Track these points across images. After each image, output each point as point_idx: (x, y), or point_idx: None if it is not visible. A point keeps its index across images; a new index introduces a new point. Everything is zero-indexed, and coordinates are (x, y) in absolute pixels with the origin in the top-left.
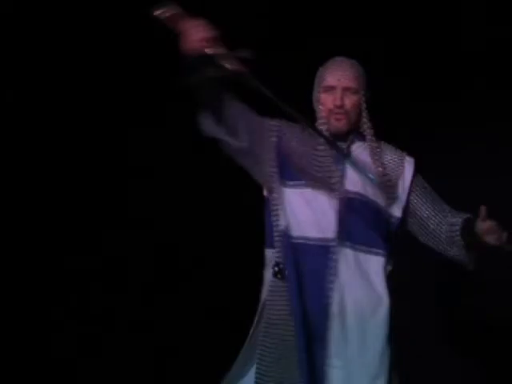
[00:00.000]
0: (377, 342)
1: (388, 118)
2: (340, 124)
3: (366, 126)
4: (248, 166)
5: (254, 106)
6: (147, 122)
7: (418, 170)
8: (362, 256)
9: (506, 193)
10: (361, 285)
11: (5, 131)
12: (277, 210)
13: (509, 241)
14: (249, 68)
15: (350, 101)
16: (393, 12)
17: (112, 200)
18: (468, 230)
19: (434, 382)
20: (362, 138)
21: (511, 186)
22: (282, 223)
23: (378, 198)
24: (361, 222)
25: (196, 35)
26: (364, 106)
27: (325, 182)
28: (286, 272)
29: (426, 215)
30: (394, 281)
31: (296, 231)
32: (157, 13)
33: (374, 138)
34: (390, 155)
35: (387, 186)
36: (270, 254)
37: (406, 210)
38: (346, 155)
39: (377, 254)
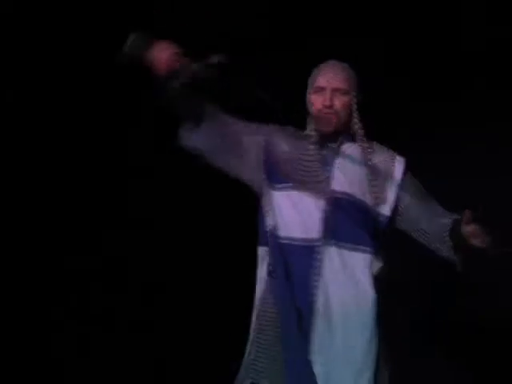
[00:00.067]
0: (361, 339)
1: (388, 118)
2: (329, 124)
3: (357, 127)
4: (234, 175)
5: (240, 112)
6: (147, 122)
7: (410, 170)
8: (348, 253)
9: (506, 193)
10: (346, 283)
11: (5, 131)
12: (266, 210)
13: (493, 245)
14: (226, 71)
15: (339, 101)
16: (393, 12)
17: (112, 200)
18: (455, 231)
19: (422, 381)
20: (353, 138)
21: (511, 186)
22: (269, 223)
23: (367, 198)
24: (347, 220)
25: (163, 56)
26: (354, 107)
27: (311, 185)
28: (274, 271)
29: (415, 215)
30: (384, 278)
31: (282, 232)
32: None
33: (364, 139)
34: (381, 155)
35: (376, 185)
36: (263, 252)
37: (396, 209)
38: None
39: (363, 251)
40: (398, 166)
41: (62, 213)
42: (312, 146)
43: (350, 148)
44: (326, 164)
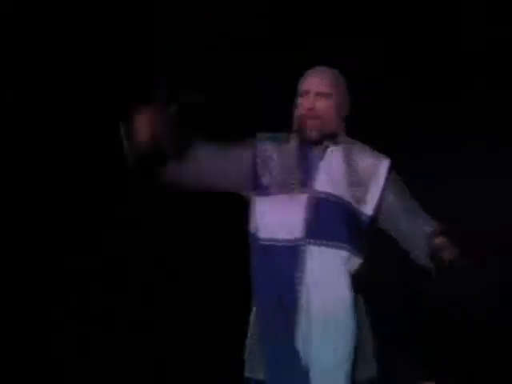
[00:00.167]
0: (339, 334)
1: (388, 117)
2: (313, 128)
3: (340, 131)
4: (221, 190)
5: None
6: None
7: (395, 170)
8: (329, 251)
9: (506, 193)
10: (327, 280)
11: (5, 131)
12: (250, 214)
13: (460, 258)
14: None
15: (321, 105)
16: (393, 12)
17: (112, 200)
18: (430, 241)
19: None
20: (337, 142)
21: (511, 186)
22: (252, 226)
23: (350, 198)
24: (329, 219)
25: (142, 129)
26: (338, 111)
27: (294, 187)
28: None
29: (396, 215)
30: (366, 277)
31: (267, 234)
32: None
33: (347, 142)
34: (365, 157)
35: (358, 186)
36: None
37: (379, 208)
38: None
39: (344, 249)
40: (383, 167)
41: (62, 213)
42: (294, 149)
43: (334, 150)
44: (310, 166)
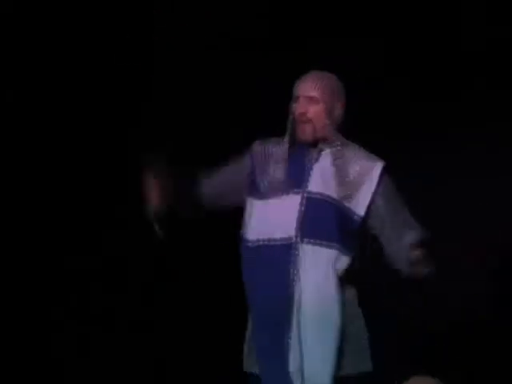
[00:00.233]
0: (328, 331)
1: (388, 117)
2: (304, 133)
3: (332, 135)
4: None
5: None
6: (147, 121)
7: (395, 172)
8: (320, 250)
9: (506, 193)
10: (317, 277)
11: (5, 131)
12: (245, 217)
13: (432, 272)
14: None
15: (312, 109)
16: (393, 12)
17: (112, 200)
18: (408, 253)
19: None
20: (332, 144)
21: (511, 186)
22: (245, 226)
23: (343, 198)
24: (321, 219)
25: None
26: (329, 115)
27: (289, 189)
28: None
29: (382, 216)
30: (356, 277)
31: (259, 234)
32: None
33: (339, 146)
34: (359, 159)
35: (350, 187)
36: None
37: (369, 210)
38: None
39: (334, 247)
40: (376, 169)
41: (62, 213)
42: (288, 151)
43: (329, 153)
44: (304, 168)
